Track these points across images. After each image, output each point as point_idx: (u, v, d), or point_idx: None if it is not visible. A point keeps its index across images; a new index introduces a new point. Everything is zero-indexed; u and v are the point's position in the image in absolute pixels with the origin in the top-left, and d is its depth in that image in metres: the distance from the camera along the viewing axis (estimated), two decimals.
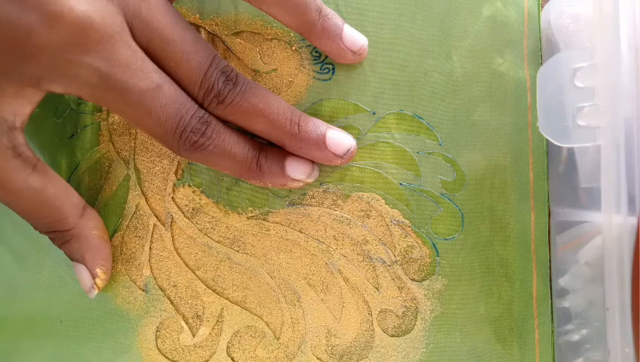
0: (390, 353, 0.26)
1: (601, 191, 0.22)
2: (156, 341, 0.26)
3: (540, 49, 0.26)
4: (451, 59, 0.26)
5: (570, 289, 0.25)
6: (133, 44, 0.20)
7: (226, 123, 0.23)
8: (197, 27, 0.26)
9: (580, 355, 0.25)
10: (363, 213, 0.26)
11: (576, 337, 0.25)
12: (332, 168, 0.26)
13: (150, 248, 0.26)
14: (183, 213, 0.26)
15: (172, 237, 0.26)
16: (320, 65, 0.26)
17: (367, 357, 0.26)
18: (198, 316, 0.26)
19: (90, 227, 0.24)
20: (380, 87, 0.26)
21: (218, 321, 0.26)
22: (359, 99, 0.26)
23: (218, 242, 0.26)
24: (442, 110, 0.26)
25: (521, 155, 0.26)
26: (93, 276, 0.24)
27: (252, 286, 0.26)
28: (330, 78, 0.26)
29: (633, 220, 0.21)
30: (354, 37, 0.25)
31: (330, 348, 0.26)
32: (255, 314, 0.26)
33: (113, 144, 0.26)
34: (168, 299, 0.26)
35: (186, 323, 0.26)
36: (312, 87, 0.26)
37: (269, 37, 0.26)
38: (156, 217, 0.26)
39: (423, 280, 0.26)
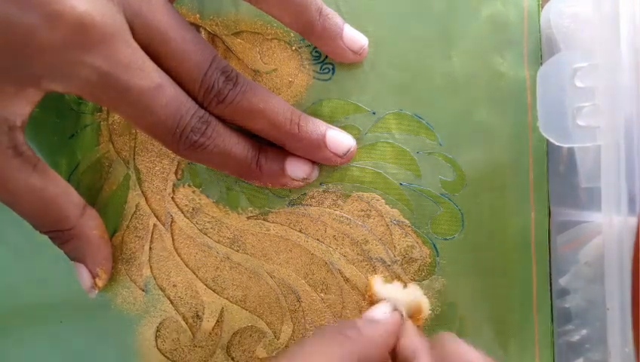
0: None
1: (601, 191, 0.22)
2: (156, 341, 0.26)
3: (540, 49, 0.26)
4: (451, 59, 0.26)
5: (571, 289, 0.25)
6: (134, 43, 0.20)
7: (226, 123, 0.23)
8: (197, 27, 0.26)
9: (580, 355, 0.25)
10: (363, 212, 0.26)
11: (576, 337, 0.25)
12: (332, 168, 0.26)
13: (150, 248, 0.26)
14: (182, 213, 0.26)
15: (172, 237, 0.26)
16: (320, 65, 0.26)
17: None
18: (198, 316, 0.26)
19: (90, 227, 0.24)
20: (380, 87, 0.26)
21: (218, 321, 0.26)
22: (359, 99, 0.26)
23: (218, 242, 0.26)
24: (442, 110, 0.26)
25: (521, 155, 0.26)
26: (94, 276, 0.24)
27: (252, 286, 0.26)
28: (330, 78, 0.26)
29: (633, 220, 0.21)
30: (354, 37, 0.25)
31: None
32: (255, 314, 0.26)
33: (113, 144, 0.26)
34: (168, 298, 0.26)
35: (186, 323, 0.26)
36: (312, 87, 0.26)
37: (269, 37, 0.26)
38: (156, 217, 0.26)
39: (423, 280, 0.26)
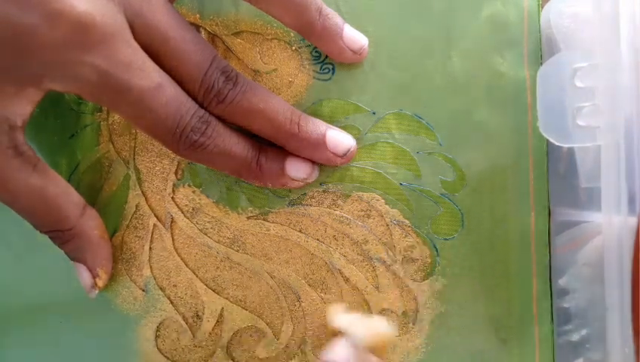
0: (390, 353, 0.26)
1: (601, 191, 0.22)
2: (156, 341, 0.26)
3: (540, 49, 0.26)
4: (451, 59, 0.26)
5: (570, 289, 0.25)
6: (134, 43, 0.20)
7: (226, 123, 0.23)
8: (197, 27, 0.26)
9: (580, 355, 0.25)
10: (363, 212, 0.26)
11: (576, 337, 0.25)
12: (332, 168, 0.26)
13: (150, 248, 0.26)
14: (183, 213, 0.26)
15: (172, 237, 0.26)
16: (320, 65, 0.26)
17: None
18: (198, 316, 0.26)
19: (91, 227, 0.24)
20: (380, 87, 0.26)
21: (218, 321, 0.26)
22: (359, 99, 0.26)
23: (218, 242, 0.26)
24: (442, 110, 0.26)
25: (521, 155, 0.26)
26: (94, 276, 0.24)
27: (252, 286, 0.26)
28: (330, 78, 0.26)
29: (633, 220, 0.21)
30: (354, 36, 0.25)
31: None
32: (255, 314, 0.26)
33: (113, 144, 0.26)
34: (168, 298, 0.26)
35: (186, 323, 0.26)
36: (312, 87, 0.26)
37: (269, 37, 0.26)
38: (156, 217, 0.26)
39: (423, 280, 0.26)
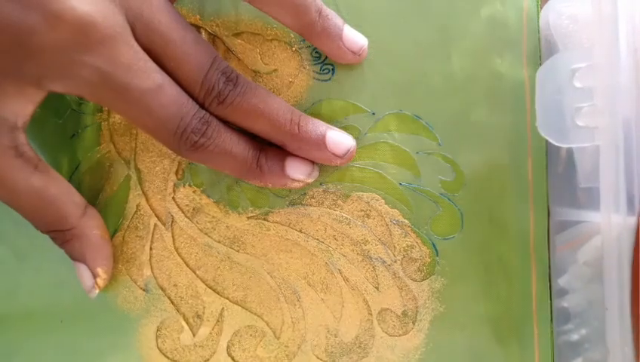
0: (390, 353, 0.26)
1: (600, 191, 0.22)
2: (156, 340, 0.26)
3: (539, 49, 0.26)
4: (450, 59, 0.26)
5: (570, 289, 0.25)
6: (135, 44, 0.21)
7: (226, 123, 0.23)
8: (197, 28, 0.26)
9: (580, 355, 0.25)
10: (363, 212, 0.26)
11: (575, 337, 0.25)
12: (332, 168, 0.26)
13: (151, 248, 0.26)
14: (183, 212, 0.26)
15: (173, 237, 0.26)
16: (320, 65, 0.26)
17: (367, 356, 0.26)
18: (198, 316, 0.26)
19: (91, 226, 0.24)
20: (380, 87, 0.26)
21: (218, 321, 0.26)
22: (359, 99, 0.26)
23: (218, 242, 0.26)
24: (442, 110, 0.26)
25: (520, 155, 0.26)
26: (94, 275, 0.24)
27: (252, 286, 0.26)
28: (330, 79, 0.26)
29: (632, 220, 0.21)
30: (354, 37, 0.25)
31: (330, 347, 0.26)
32: (255, 314, 0.26)
33: (114, 144, 0.26)
34: (169, 298, 0.26)
35: (187, 323, 0.26)
36: (312, 88, 0.26)
37: (270, 38, 0.26)
38: (157, 217, 0.26)
39: (423, 279, 0.26)
